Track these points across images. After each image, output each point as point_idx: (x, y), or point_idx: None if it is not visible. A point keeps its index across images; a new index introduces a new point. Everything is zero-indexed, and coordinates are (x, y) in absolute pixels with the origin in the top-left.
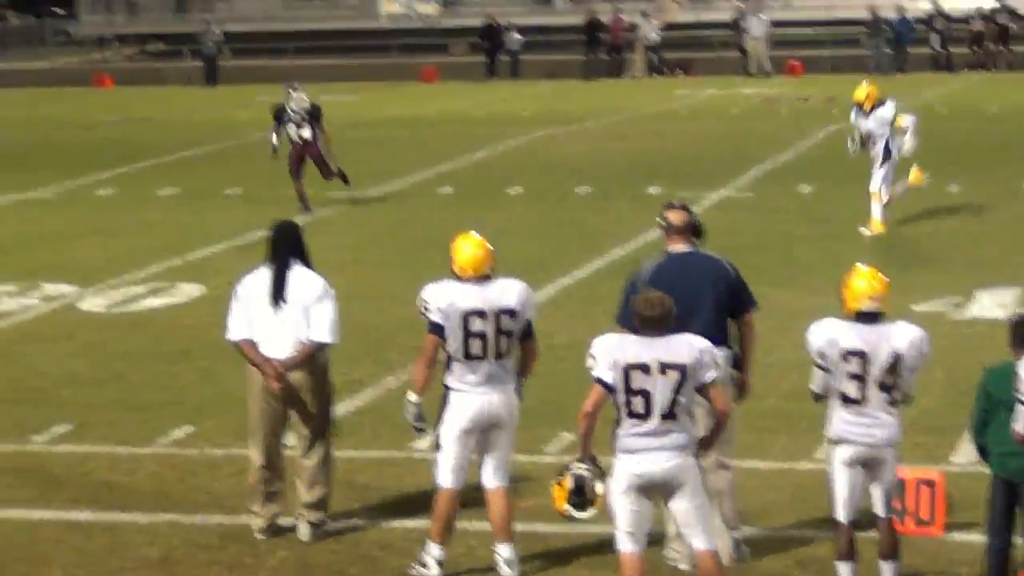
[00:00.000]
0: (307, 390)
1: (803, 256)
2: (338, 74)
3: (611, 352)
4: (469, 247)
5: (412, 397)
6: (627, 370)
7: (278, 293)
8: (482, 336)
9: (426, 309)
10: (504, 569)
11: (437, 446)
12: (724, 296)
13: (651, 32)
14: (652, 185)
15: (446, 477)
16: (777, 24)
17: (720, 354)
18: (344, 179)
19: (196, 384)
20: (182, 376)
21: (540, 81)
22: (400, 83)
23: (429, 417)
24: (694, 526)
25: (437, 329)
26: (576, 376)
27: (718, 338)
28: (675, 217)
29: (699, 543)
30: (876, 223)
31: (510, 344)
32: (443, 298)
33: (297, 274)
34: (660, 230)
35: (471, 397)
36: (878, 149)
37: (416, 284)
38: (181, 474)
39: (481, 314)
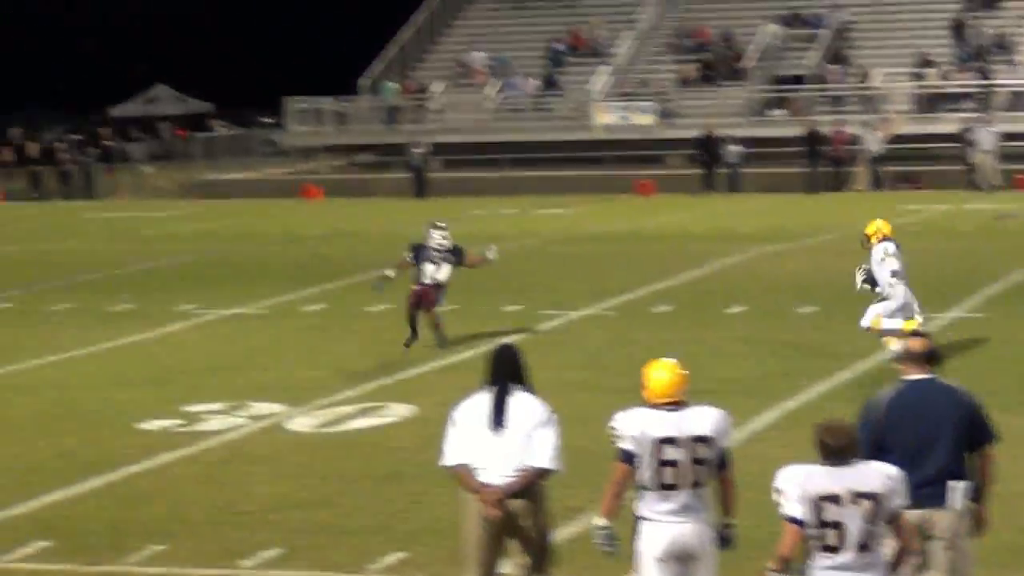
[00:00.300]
0: (526, 517)
1: None
2: (550, 186)
3: (800, 484)
4: (662, 372)
5: (600, 521)
6: (818, 502)
7: (498, 418)
8: (675, 464)
9: (617, 437)
10: None
11: None
12: (964, 427)
13: (874, 144)
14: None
15: None
16: (1008, 137)
17: (959, 486)
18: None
19: (408, 509)
20: (394, 500)
21: (759, 195)
22: (614, 196)
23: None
24: None
25: (627, 457)
26: None
27: (957, 469)
28: (916, 345)
29: None
30: None
31: (706, 473)
32: (635, 425)
33: (518, 399)
34: (896, 360)
35: (663, 527)
36: None
37: (634, 406)
38: None
39: (674, 442)
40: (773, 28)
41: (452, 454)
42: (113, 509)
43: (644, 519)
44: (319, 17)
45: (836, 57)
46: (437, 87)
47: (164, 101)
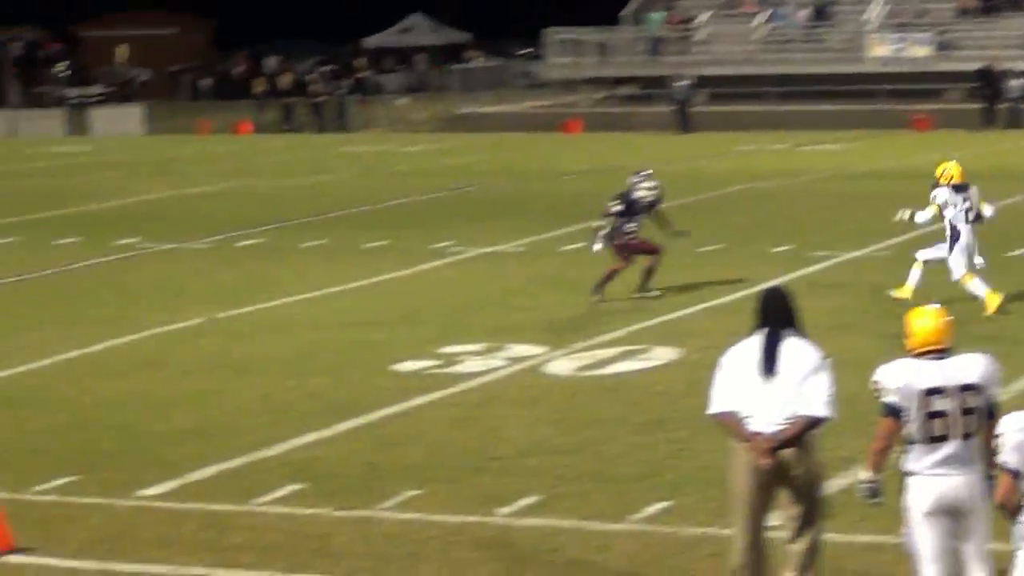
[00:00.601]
0: (797, 467)
1: None
2: (821, 121)
3: (903, 378)
4: (925, 320)
5: (864, 475)
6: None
7: (769, 364)
8: (944, 415)
9: (880, 390)
10: None
11: (908, 542)
12: None
13: None
14: None
15: (928, 570)
16: None
17: None
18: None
19: (672, 456)
20: (657, 447)
21: None
22: (889, 131)
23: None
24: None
25: (893, 411)
26: None
27: None
28: None
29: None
30: None
31: (976, 423)
32: (898, 378)
33: (790, 344)
34: None
35: (932, 481)
36: None
37: (903, 352)
38: (655, 554)
39: (941, 392)
40: None
41: (720, 401)
42: (367, 452)
43: (912, 474)
44: None
45: None
46: (703, 17)
47: (419, 31)
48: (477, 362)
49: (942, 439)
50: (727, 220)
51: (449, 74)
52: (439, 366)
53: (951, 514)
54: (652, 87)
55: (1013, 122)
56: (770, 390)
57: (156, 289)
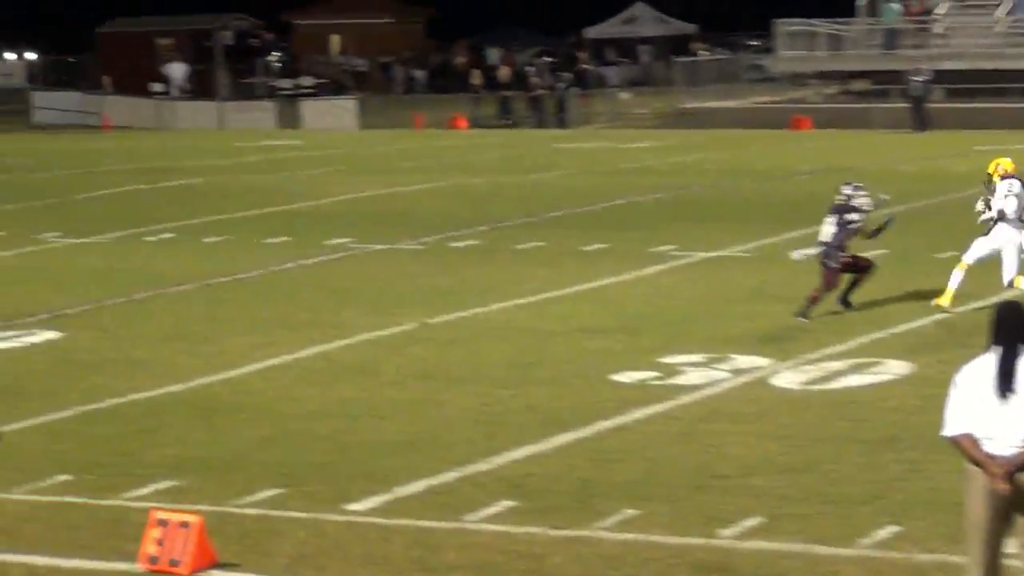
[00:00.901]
0: None
1: None
2: None
3: None
4: None
5: None
6: None
7: (1005, 383)
8: None
9: None
10: None
11: None
12: None
13: None
14: None
15: None
16: None
17: None
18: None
19: (903, 478)
20: (887, 468)
21: None
22: None
23: None
24: None
25: None
26: None
27: None
28: None
29: None
30: None
31: None
32: None
33: None
34: None
35: None
36: None
37: None
38: None
39: None
40: None
41: (954, 422)
42: (584, 468)
43: None
44: None
45: None
46: (942, 8)
47: (643, 22)
48: (699, 374)
49: None
50: (967, 225)
51: (674, 67)
52: (659, 377)
53: None
54: (886, 82)
55: None
56: (1007, 411)
57: (367, 292)
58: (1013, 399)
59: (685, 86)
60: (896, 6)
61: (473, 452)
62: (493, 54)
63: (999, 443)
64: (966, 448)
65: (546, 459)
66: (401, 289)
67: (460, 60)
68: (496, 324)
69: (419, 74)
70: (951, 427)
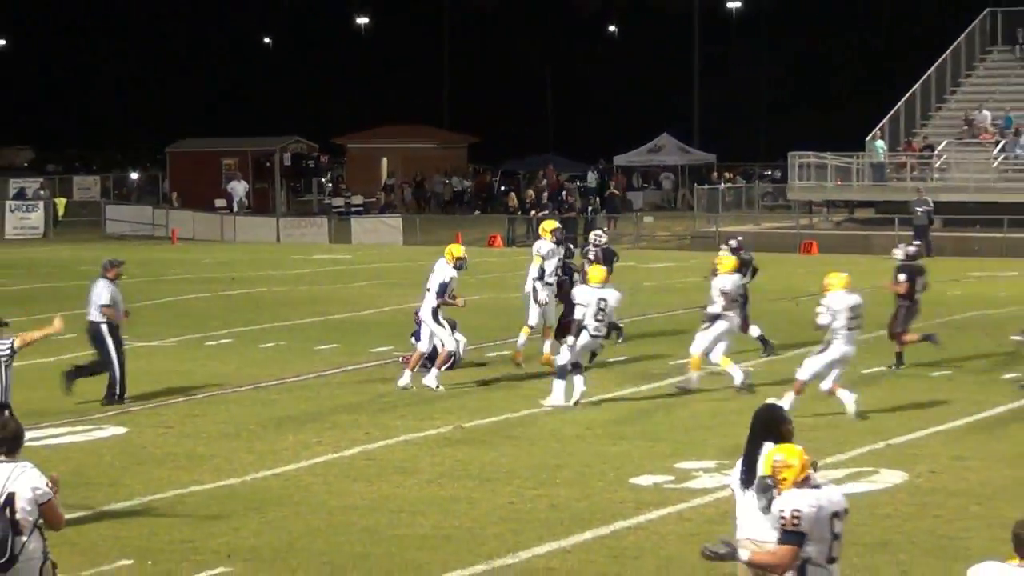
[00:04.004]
0: None
1: None
2: None
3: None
4: None
5: None
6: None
7: (746, 477)
8: None
9: None
10: None
11: None
12: None
13: None
14: None
15: None
16: None
17: None
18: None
19: None
20: (881, 569)
21: None
22: None
23: None
24: None
25: None
26: None
27: None
28: None
29: None
30: None
31: None
32: None
33: None
34: None
35: None
36: None
37: None
38: None
39: None
40: None
41: None
42: (602, 563)
43: None
44: (829, 77)
45: None
46: (942, 144)
47: (667, 151)
48: (711, 478)
49: None
50: (960, 344)
51: (694, 193)
52: (673, 481)
53: None
54: (887, 211)
55: None
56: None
57: (408, 397)
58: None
59: (705, 211)
60: (881, 144)
61: (502, 547)
62: (547, 172)
63: (747, 528)
64: None
65: (568, 555)
66: (438, 395)
67: (494, 183)
68: (526, 429)
69: (458, 194)
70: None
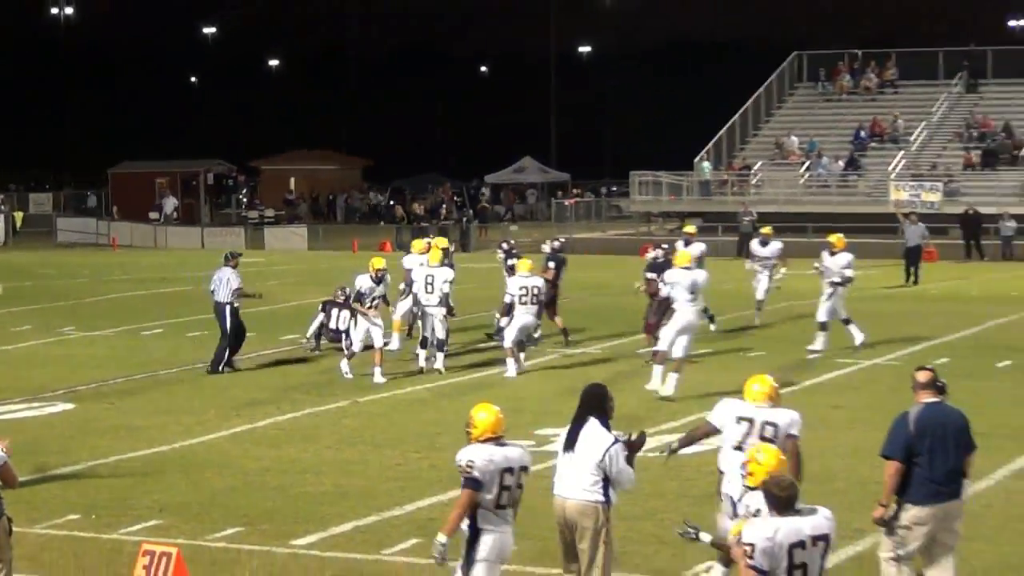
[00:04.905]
0: None
1: None
2: (851, 251)
3: (771, 537)
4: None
5: None
6: (789, 549)
7: (568, 442)
8: None
9: None
10: None
11: None
12: (965, 436)
13: None
14: None
15: None
16: None
17: (969, 483)
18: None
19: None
20: (708, 516)
21: None
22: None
23: None
24: None
25: None
26: None
27: (963, 470)
28: (922, 376)
29: None
30: None
31: None
32: None
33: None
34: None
35: None
36: None
37: None
38: None
39: None
40: None
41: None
42: None
43: None
44: (661, 108)
45: None
46: (758, 165)
47: (530, 171)
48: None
49: None
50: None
51: (551, 206)
52: (534, 445)
53: None
54: (712, 221)
55: (1005, 255)
56: (570, 461)
57: (315, 378)
58: (573, 454)
59: (560, 221)
60: (707, 164)
61: (391, 501)
62: (409, 194)
63: (563, 485)
64: None
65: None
66: (339, 378)
67: (383, 199)
68: (411, 402)
69: (356, 208)
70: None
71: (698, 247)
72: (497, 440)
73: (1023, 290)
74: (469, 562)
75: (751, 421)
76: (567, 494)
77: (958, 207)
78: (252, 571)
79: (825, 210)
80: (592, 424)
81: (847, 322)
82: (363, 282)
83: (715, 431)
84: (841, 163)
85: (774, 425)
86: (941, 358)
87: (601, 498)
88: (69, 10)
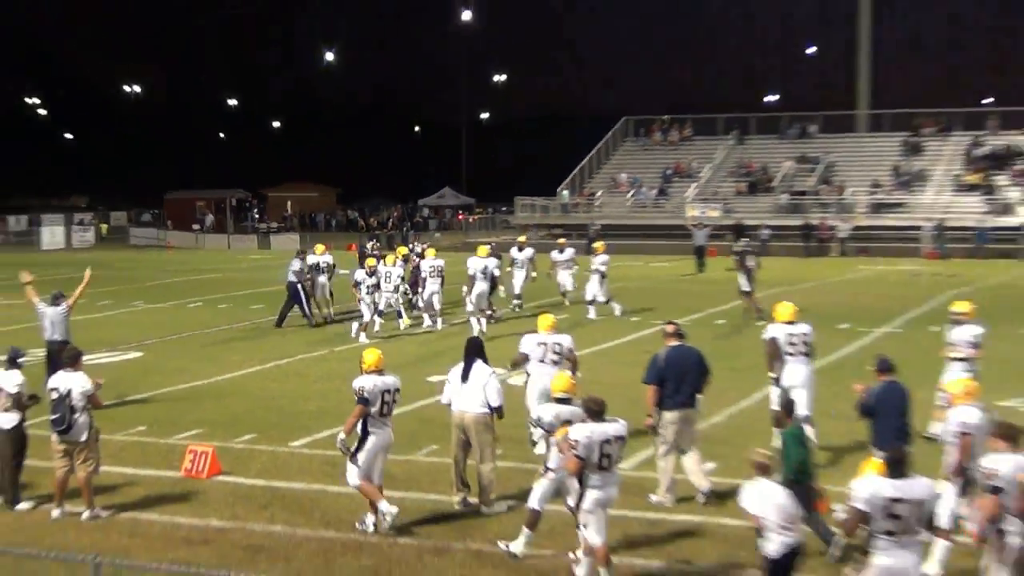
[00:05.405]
0: None
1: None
2: (661, 251)
3: (588, 436)
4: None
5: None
6: (601, 443)
7: (464, 375)
8: None
9: None
10: None
11: None
12: (702, 368)
13: (844, 231)
14: (843, 323)
15: None
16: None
17: (701, 398)
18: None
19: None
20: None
21: (778, 258)
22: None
23: None
24: None
25: None
26: None
27: (699, 392)
28: (669, 328)
29: None
30: None
31: None
32: None
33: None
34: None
35: None
36: None
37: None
38: None
39: None
40: (790, 163)
41: (447, 395)
42: (409, 422)
43: None
44: (536, 154)
45: (825, 180)
46: (599, 192)
47: (449, 196)
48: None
49: None
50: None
51: (463, 220)
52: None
53: None
54: (571, 230)
55: (761, 254)
56: (465, 388)
57: (304, 333)
58: (467, 384)
59: (469, 230)
60: (567, 192)
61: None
62: (366, 212)
63: (461, 403)
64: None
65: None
66: (326, 332)
67: (350, 215)
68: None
69: (332, 222)
70: (445, 396)
71: (529, 251)
72: (379, 372)
73: (771, 277)
74: (360, 451)
75: (545, 344)
76: (466, 408)
77: (732, 220)
78: (263, 463)
79: (644, 223)
80: (478, 363)
81: (608, 301)
82: (359, 275)
83: (525, 358)
84: (655, 192)
85: (560, 344)
86: (718, 320)
87: (488, 410)
88: (138, 88)
